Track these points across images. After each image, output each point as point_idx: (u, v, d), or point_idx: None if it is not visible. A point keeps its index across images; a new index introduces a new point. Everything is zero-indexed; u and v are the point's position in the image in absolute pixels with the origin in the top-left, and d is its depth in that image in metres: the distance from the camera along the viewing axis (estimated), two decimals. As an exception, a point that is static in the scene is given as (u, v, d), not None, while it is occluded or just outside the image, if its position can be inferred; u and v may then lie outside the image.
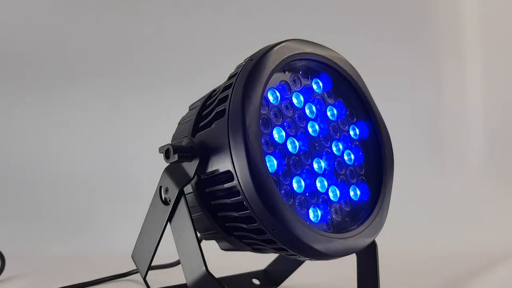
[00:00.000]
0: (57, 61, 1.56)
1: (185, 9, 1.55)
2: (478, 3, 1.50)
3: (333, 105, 0.62)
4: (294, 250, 0.51)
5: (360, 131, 0.64)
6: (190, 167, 0.54)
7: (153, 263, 0.60)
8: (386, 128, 0.65)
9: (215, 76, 0.79)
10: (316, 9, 1.51)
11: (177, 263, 0.92)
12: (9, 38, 1.56)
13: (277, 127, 0.54)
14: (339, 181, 0.59)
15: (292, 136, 0.56)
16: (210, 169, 0.52)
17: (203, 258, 0.52)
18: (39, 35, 1.56)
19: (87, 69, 1.56)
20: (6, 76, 1.56)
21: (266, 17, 1.51)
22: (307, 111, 0.59)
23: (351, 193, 0.60)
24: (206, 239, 0.63)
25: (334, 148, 0.60)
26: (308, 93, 0.60)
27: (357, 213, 0.60)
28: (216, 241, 0.62)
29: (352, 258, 0.63)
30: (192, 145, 0.54)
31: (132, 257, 0.62)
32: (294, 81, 0.59)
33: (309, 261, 0.60)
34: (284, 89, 0.57)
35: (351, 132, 0.63)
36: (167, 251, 0.64)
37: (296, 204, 0.53)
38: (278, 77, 0.57)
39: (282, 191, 0.52)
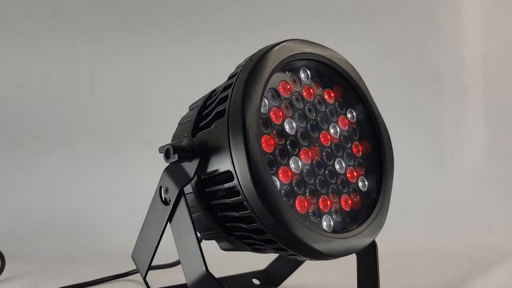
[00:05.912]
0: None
1: (185, 8, 1.55)
2: (479, 3, 1.50)
3: (334, 105, 0.62)
4: (294, 250, 0.51)
5: (360, 131, 0.64)
6: (190, 167, 0.54)
7: (153, 263, 0.60)
8: (386, 128, 0.65)
9: (215, 76, 0.80)
10: (316, 9, 1.51)
11: (177, 263, 0.92)
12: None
13: (277, 127, 0.54)
14: (339, 181, 0.59)
15: (292, 136, 0.56)
16: (210, 169, 0.52)
17: (203, 258, 0.52)
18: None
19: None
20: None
21: (266, 17, 1.51)
22: (307, 111, 0.59)
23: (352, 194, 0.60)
24: (206, 239, 0.63)
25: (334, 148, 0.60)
26: (308, 93, 0.60)
27: (357, 213, 0.60)
28: (216, 241, 0.62)
29: (352, 258, 0.63)
30: (192, 145, 0.54)
31: (132, 257, 0.62)
32: (294, 81, 0.59)
33: (309, 261, 0.60)
34: (284, 89, 0.57)
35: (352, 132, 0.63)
36: (167, 251, 0.64)
37: (296, 204, 0.53)
38: (278, 77, 0.57)
39: (282, 191, 0.52)
